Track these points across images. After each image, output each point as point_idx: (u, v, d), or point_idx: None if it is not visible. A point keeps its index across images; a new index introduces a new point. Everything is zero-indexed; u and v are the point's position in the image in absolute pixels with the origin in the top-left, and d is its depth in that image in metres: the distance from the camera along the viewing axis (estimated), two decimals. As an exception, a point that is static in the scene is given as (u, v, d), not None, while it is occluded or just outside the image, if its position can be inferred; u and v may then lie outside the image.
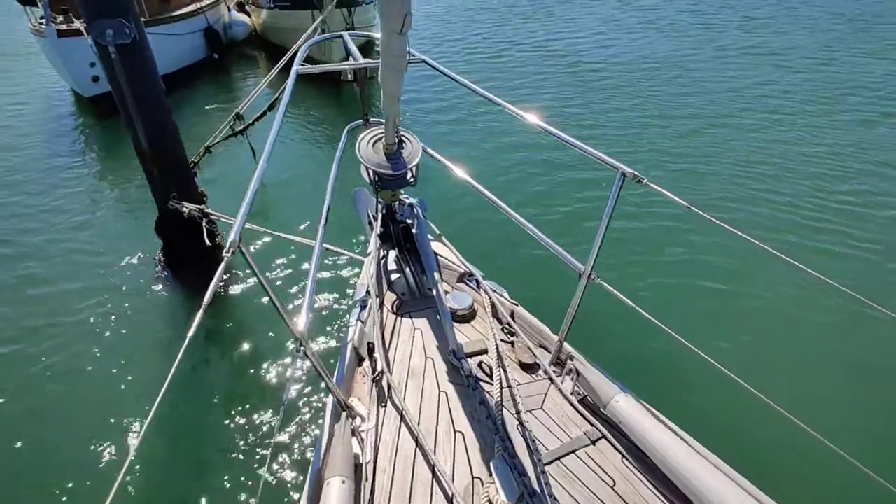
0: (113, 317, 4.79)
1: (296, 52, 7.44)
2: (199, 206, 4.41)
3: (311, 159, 7.79)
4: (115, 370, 4.25)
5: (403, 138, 2.48)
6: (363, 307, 2.34)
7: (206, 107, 9.68)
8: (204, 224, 4.29)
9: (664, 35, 12.93)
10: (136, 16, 4.32)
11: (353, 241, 5.33)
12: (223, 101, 10.05)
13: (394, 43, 1.78)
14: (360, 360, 2.16)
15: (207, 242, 4.26)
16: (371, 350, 2.12)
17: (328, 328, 4.49)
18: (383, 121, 3.06)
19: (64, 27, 8.97)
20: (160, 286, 5.16)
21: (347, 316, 4.17)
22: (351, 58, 2.85)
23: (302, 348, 1.50)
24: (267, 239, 5.52)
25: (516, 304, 2.48)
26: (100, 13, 4.05)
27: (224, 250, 1.32)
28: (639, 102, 9.10)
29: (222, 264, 1.31)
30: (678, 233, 5.48)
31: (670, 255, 5.24)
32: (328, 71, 2.74)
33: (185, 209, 4.44)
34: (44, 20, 9.14)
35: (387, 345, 2.25)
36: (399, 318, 2.43)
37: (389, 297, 2.54)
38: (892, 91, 9.22)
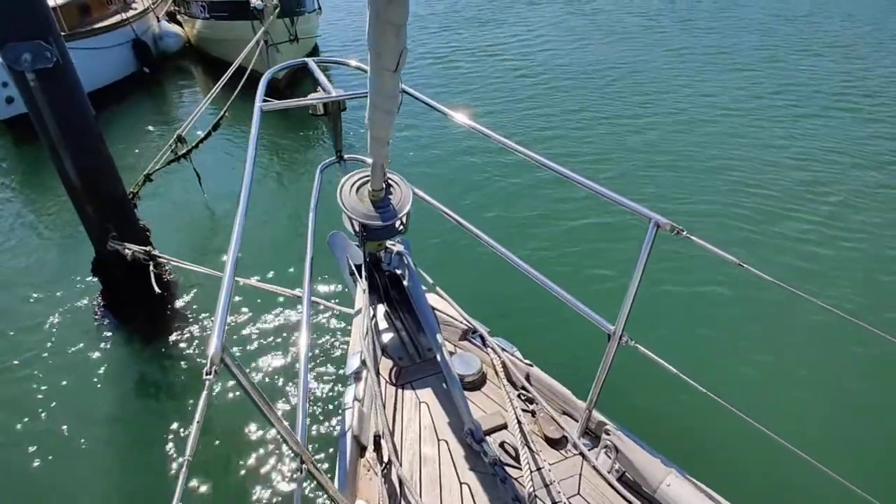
0: (45, 378, 4.22)
1: (245, 75, 6.98)
2: (143, 248, 3.93)
3: (279, 201, 6.71)
4: (53, 438, 3.73)
5: (390, 182, 2.21)
6: (357, 379, 2.04)
7: (141, 128, 8.94)
8: (151, 268, 3.81)
9: (608, 39, 13.19)
10: (58, 35, 3.81)
11: (334, 288, 4.89)
12: (160, 121, 9.33)
13: (386, 82, 1.53)
14: (363, 449, 1.86)
15: (157, 289, 3.79)
16: (377, 441, 1.82)
17: (321, 409, 3.83)
18: (363, 160, 2.77)
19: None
20: (102, 335, 4.60)
21: (341, 390, 3.79)
22: (320, 88, 2.55)
23: (304, 466, 1.20)
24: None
25: (531, 365, 2.21)
26: (14, 35, 3.53)
27: (205, 371, 1.01)
28: (586, 105, 9.21)
29: (205, 392, 1.01)
30: (719, 285, 4.86)
31: (710, 311, 4.69)
32: (297, 106, 2.44)
33: (127, 251, 3.95)
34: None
35: (391, 426, 1.96)
36: (399, 390, 2.13)
37: (385, 364, 2.23)
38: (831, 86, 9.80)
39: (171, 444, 3.65)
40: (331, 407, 3.83)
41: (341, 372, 4.04)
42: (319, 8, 12.10)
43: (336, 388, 3.95)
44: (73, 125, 3.93)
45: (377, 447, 1.81)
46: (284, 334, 4.46)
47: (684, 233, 1.53)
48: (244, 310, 4.70)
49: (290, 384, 4.02)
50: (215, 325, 1.10)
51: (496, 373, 2.15)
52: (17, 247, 5.90)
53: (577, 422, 1.99)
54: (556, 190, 6.39)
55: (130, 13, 11.29)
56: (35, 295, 5.12)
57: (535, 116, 8.89)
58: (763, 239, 5.66)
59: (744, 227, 5.84)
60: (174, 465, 3.52)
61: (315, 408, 3.81)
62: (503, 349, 2.26)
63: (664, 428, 3.44)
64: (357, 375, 2.04)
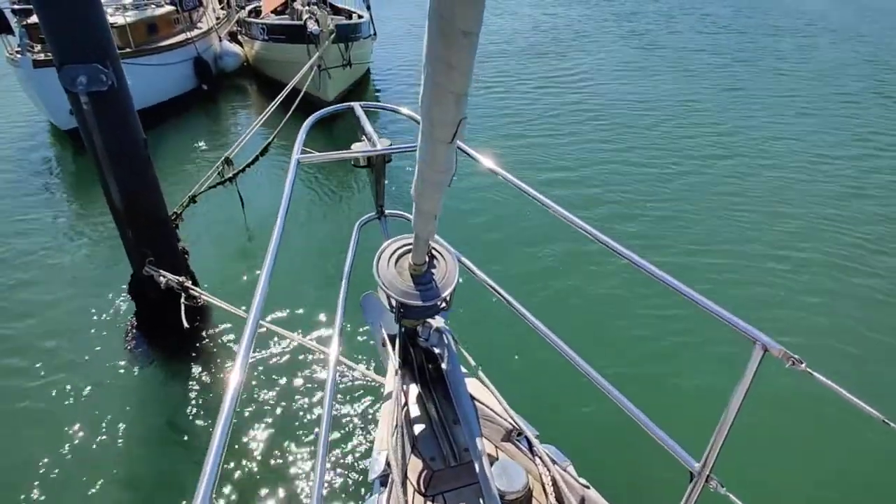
0: (71, 389, 4.15)
1: (298, 98, 7.02)
2: (177, 279, 3.80)
3: (313, 258, 5.97)
4: (73, 454, 3.64)
5: (435, 253, 1.94)
6: (382, 484, 1.74)
7: (193, 144, 9.11)
8: (182, 301, 3.68)
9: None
10: (116, 58, 3.79)
11: (364, 354, 4.37)
12: (211, 138, 9.50)
13: (440, 155, 1.28)
14: None
15: (185, 324, 3.64)
16: None
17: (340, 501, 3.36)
18: (406, 217, 2.53)
19: (41, 57, 8.42)
20: (130, 356, 4.50)
21: (364, 489, 3.37)
22: (365, 139, 2.35)
23: None
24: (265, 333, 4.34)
25: (588, 487, 1.84)
26: (72, 58, 3.52)
27: None
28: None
29: None
30: (841, 431, 3.74)
31: (827, 458, 3.69)
32: (338, 160, 2.24)
33: (161, 279, 3.84)
34: (20, 49, 8.60)
35: None
36: (429, 502, 1.84)
37: (414, 465, 1.93)
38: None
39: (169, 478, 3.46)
40: (349, 498, 3.36)
41: (363, 455, 3.62)
42: (374, 34, 12.26)
43: (358, 472, 3.51)
44: (122, 149, 3.89)
45: None
46: (305, 395, 4.09)
47: (802, 365, 1.20)
48: (264, 358, 4.40)
49: (306, 461, 3.58)
50: (202, 479, 0.85)
51: (545, 490, 1.80)
52: (62, 253, 5.97)
53: None
54: (639, 285, 5.22)
55: (195, 32, 11.71)
56: (72, 304, 5.11)
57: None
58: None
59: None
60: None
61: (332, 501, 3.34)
62: (554, 461, 1.91)
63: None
64: (383, 479, 1.75)
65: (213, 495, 0.89)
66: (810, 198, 7.16)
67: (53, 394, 4.16)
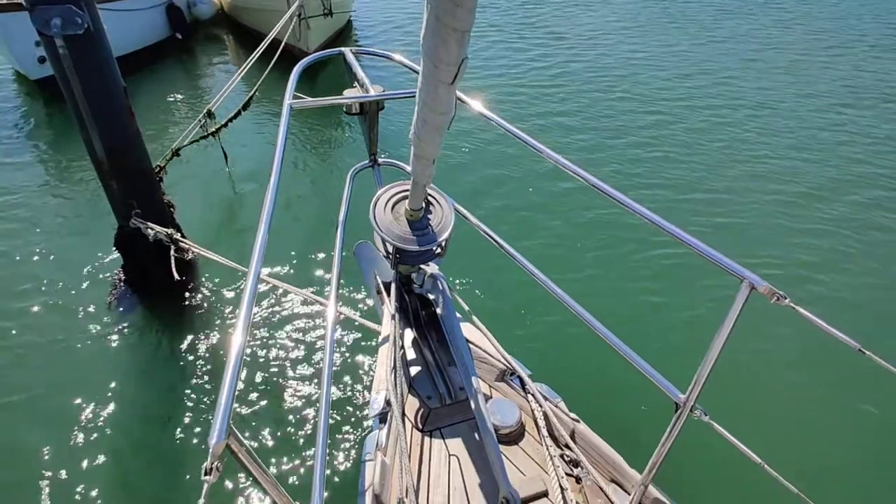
0: (61, 346, 4.14)
1: (279, 50, 6.76)
2: (166, 231, 3.77)
3: (306, 209, 5.89)
4: (49, 411, 3.66)
5: (430, 199, 1.97)
6: (382, 420, 1.84)
7: (170, 96, 8.79)
8: (172, 253, 3.66)
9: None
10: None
11: (362, 296, 4.47)
12: (189, 91, 9.16)
13: (441, 96, 1.29)
14: None
15: (176, 275, 3.63)
16: None
17: (342, 440, 3.45)
18: (400, 166, 2.52)
19: (4, 0, 7.93)
20: (118, 311, 4.49)
21: (361, 431, 3.49)
22: (356, 84, 2.32)
23: None
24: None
25: (578, 421, 1.96)
26: (44, -3, 3.35)
27: (204, 469, 0.83)
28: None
29: (203, 498, 0.83)
30: (821, 364, 3.98)
31: (806, 388, 3.89)
32: (331, 104, 2.21)
33: (149, 231, 3.80)
34: (-20, -9, 8.08)
35: (416, 485, 1.73)
36: (427, 438, 1.91)
37: (412, 404, 2.01)
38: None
39: (170, 434, 3.55)
40: (350, 437, 3.48)
41: (363, 397, 3.74)
42: (357, -19, 11.77)
43: (358, 412, 3.64)
44: (102, 97, 3.77)
45: None
46: (305, 345, 4.15)
47: (787, 301, 1.26)
48: (264, 309, 4.45)
49: (309, 412, 3.66)
50: (219, 407, 0.91)
51: (536, 425, 1.91)
52: (41, 210, 5.82)
53: (629, 494, 1.74)
54: (626, 225, 5.38)
55: (166, -24, 11.10)
56: (55, 258, 5.04)
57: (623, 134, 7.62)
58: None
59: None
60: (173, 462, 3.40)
61: (334, 441, 3.44)
62: (546, 398, 2.02)
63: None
64: (382, 417, 1.84)
65: (228, 438, 0.91)
66: (796, 139, 7.39)
67: (37, 351, 4.12)
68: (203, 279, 4.79)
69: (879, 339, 4.29)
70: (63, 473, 3.31)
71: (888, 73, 10.02)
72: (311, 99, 2.11)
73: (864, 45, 11.60)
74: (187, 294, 4.60)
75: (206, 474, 0.82)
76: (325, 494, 1.10)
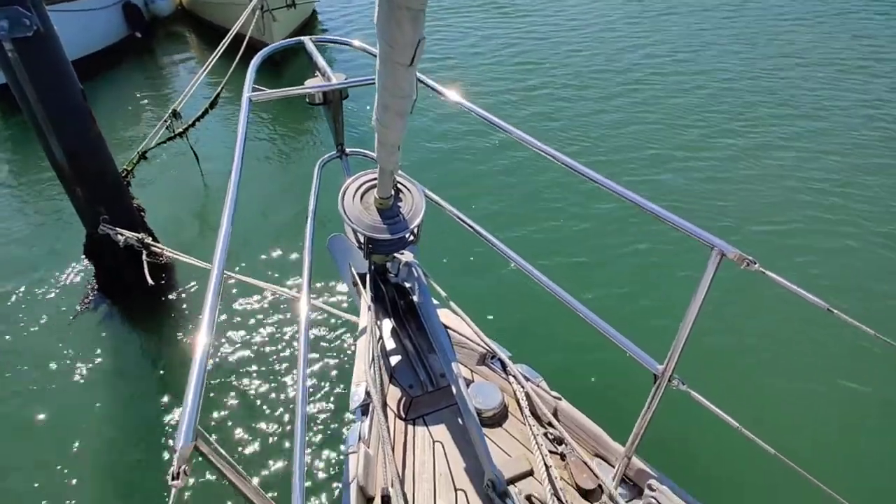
0: (25, 361, 4.04)
1: (244, 45, 6.59)
2: (137, 235, 3.68)
3: (274, 203, 5.73)
4: (29, 423, 3.59)
5: (400, 186, 1.95)
6: (364, 413, 1.82)
7: (134, 99, 8.54)
8: (144, 257, 3.58)
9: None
10: (38, 0, 3.47)
11: (335, 295, 4.44)
12: (153, 92, 8.90)
13: (399, 79, 1.27)
14: (369, 501, 1.66)
15: (150, 280, 3.56)
16: (385, 499, 1.60)
17: (322, 435, 3.43)
18: (368, 154, 2.49)
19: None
20: (94, 320, 4.39)
21: (343, 409, 3.47)
22: (318, 73, 2.28)
23: None
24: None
25: (559, 398, 1.97)
26: (-12, -2, 3.20)
27: (171, 474, 0.82)
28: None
29: (173, 493, 0.82)
30: (793, 326, 4.10)
31: (779, 354, 3.96)
32: (292, 96, 2.17)
33: (119, 236, 3.71)
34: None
35: (401, 474, 1.73)
36: (410, 426, 1.91)
37: (393, 394, 2.01)
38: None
39: (146, 436, 3.50)
40: (331, 432, 3.46)
41: (343, 391, 3.69)
42: (319, -29, 11.53)
43: (338, 406, 3.61)
44: (58, 101, 3.64)
45: (386, 502, 1.61)
46: (280, 342, 4.09)
47: (756, 265, 1.27)
48: (235, 308, 4.36)
49: (286, 410, 3.61)
50: (185, 409, 0.89)
51: (519, 406, 1.92)
52: (5, 223, 5.63)
53: (613, 468, 1.76)
54: (600, 202, 5.43)
55: (120, -27, 10.71)
56: (25, 274, 4.89)
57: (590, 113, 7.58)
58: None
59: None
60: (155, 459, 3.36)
61: (314, 436, 3.43)
62: (527, 378, 2.04)
63: (714, 483, 3.08)
64: (363, 409, 1.83)
65: (195, 440, 0.90)
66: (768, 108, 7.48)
67: (13, 365, 4.03)
68: (177, 281, 4.71)
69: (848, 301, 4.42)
70: (32, 482, 3.25)
71: (869, 38, 10.15)
72: (270, 91, 2.07)
73: (829, 15, 11.77)
74: (162, 298, 4.52)
75: (173, 479, 0.80)
76: (308, 485, 1.10)
